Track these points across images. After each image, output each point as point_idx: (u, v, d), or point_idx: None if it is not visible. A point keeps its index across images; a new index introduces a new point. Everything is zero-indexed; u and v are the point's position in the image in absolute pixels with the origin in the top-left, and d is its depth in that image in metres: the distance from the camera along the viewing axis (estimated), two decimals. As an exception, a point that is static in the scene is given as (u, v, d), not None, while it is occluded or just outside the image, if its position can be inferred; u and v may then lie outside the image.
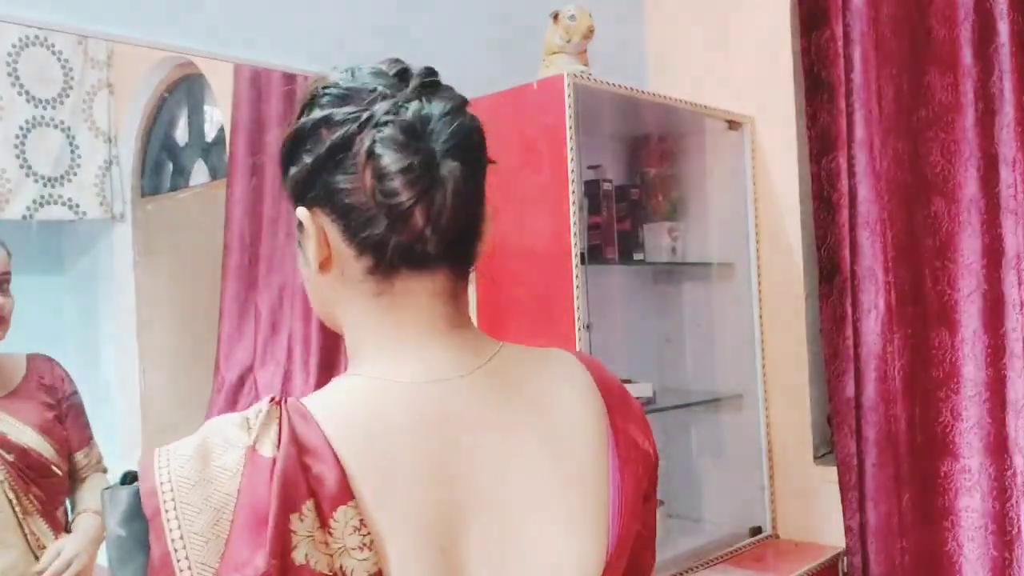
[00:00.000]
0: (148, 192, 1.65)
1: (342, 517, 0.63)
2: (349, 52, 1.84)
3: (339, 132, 0.69)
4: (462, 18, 2.08)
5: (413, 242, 0.70)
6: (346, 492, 0.64)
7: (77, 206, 1.53)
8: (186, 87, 1.72)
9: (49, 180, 1.48)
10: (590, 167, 2.21)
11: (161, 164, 1.71)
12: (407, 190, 0.68)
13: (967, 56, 2.01)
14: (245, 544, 0.62)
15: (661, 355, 2.52)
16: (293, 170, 0.74)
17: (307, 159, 0.71)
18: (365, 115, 0.69)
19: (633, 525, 0.75)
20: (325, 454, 0.65)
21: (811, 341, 2.35)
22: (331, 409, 0.68)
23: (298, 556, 0.62)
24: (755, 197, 2.38)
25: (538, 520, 0.71)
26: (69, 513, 1.47)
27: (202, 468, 0.64)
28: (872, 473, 2.12)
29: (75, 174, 1.51)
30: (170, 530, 0.64)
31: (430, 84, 0.73)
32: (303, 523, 0.62)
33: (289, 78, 1.78)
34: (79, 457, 1.49)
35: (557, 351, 0.81)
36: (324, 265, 0.73)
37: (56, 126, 1.49)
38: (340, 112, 0.70)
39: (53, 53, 1.49)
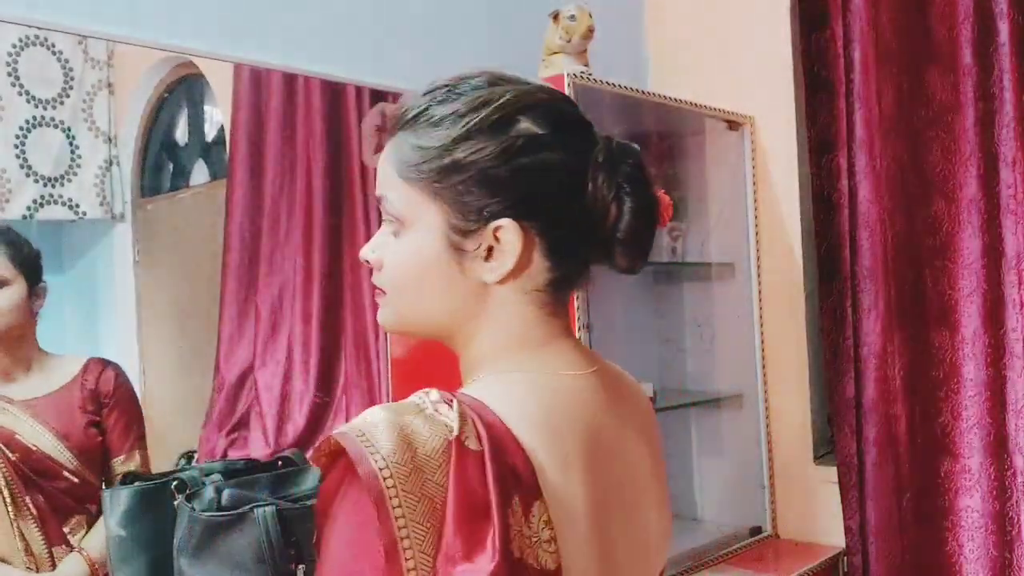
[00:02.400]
0: (148, 192, 1.65)
1: (538, 511, 0.65)
2: (349, 52, 1.84)
3: (575, 158, 0.74)
4: (461, 18, 2.08)
5: (613, 267, 0.78)
6: (537, 487, 0.66)
7: (77, 206, 1.52)
8: (186, 87, 1.72)
9: (49, 180, 1.48)
10: (590, 167, 2.20)
11: (161, 164, 1.71)
12: (640, 229, 0.75)
13: (967, 56, 2.01)
14: (462, 538, 0.62)
15: (661, 355, 2.52)
16: (491, 185, 0.72)
17: (531, 176, 0.73)
18: (600, 150, 0.74)
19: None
20: (515, 450, 0.66)
21: (811, 341, 2.35)
22: (508, 405, 0.69)
23: (515, 551, 0.63)
24: (755, 197, 2.38)
25: (649, 504, 0.80)
26: (86, 526, 1.46)
27: (412, 456, 0.63)
28: (872, 473, 2.12)
29: (75, 174, 1.51)
30: (396, 517, 0.62)
31: None
32: (515, 518, 0.64)
33: (289, 78, 1.78)
34: (116, 464, 1.51)
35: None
36: (510, 275, 0.74)
37: (56, 126, 1.49)
38: (569, 137, 0.74)
39: (53, 53, 1.49)
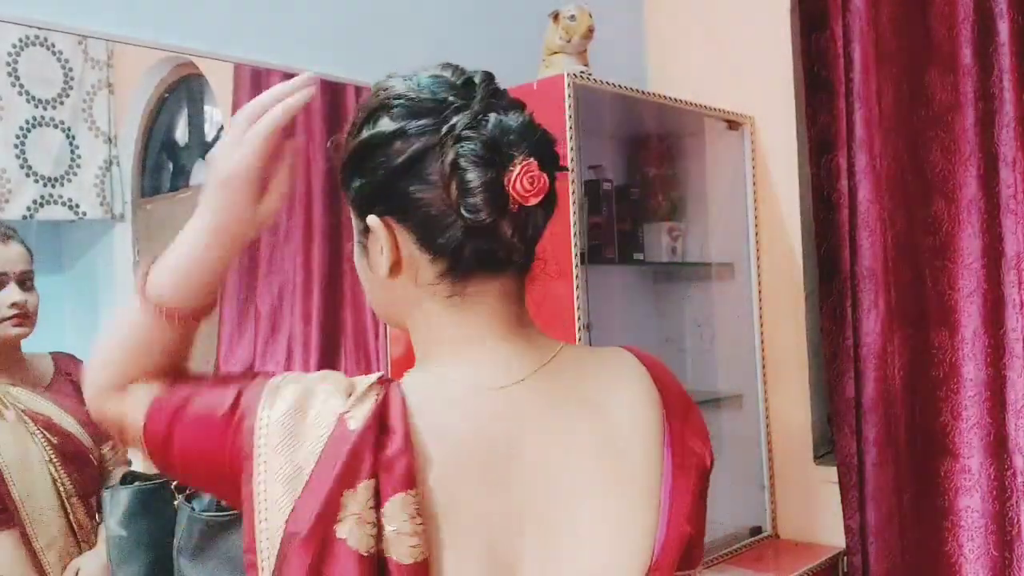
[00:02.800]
0: (148, 192, 1.65)
1: (400, 502, 0.66)
2: (349, 52, 1.84)
3: (416, 145, 0.71)
4: (462, 18, 2.08)
5: (497, 249, 0.73)
6: (410, 480, 0.66)
7: (77, 206, 1.52)
8: (186, 87, 1.72)
9: (49, 180, 1.48)
10: (590, 167, 2.21)
11: (161, 164, 1.71)
12: (489, 206, 0.70)
13: (967, 56, 2.01)
14: (307, 506, 0.66)
15: (661, 355, 2.50)
16: (360, 181, 0.75)
17: (379, 171, 0.73)
18: (444, 128, 0.71)
19: (684, 529, 0.77)
20: (402, 440, 0.67)
21: (811, 341, 2.35)
22: (419, 400, 0.71)
23: (340, 531, 0.65)
24: (755, 197, 2.38)
25: (588, 520, 0.74)
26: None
27: (297, 422, 0.68)
28: (872, 473, 2.12)
29: (75, 174, 1.51)
30: (258, 473, 0.68)
31: (496, 92, 0.75)
32: (355, 501, 0.65)
33: (289, 78, 1.78)
34: (105, 451, 1.53)
35: (618, 351, 0.84)
36: (394, 270, 0.75)
37: (56, 126, 1.49)
38: (414, 125, 0.72)
39: (53, 53, 1.49)
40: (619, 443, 0.77)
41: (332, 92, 1.83)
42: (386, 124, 0.73)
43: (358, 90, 1.85)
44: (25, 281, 1.43)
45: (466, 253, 0.72)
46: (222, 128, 1.75)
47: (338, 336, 1.86)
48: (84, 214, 1.54)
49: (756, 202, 2.38)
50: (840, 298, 2.20)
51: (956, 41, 2.03)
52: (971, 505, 2.01)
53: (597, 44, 2.03)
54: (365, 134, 0.74)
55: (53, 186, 1.48)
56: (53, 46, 1.49)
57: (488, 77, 0.76)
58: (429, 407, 0.71)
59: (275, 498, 0.67)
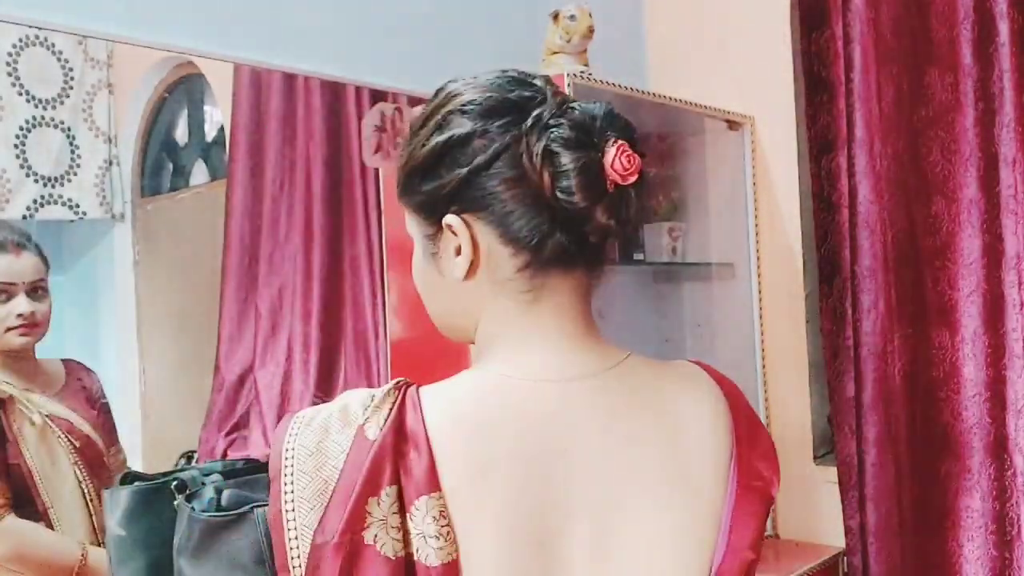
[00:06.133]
0: (148, 192, 1.65)
1: (424, 505, 0.67)
2: (349, 52, 1.84)
3: (501, 140, 0.72)
4: (462, 18, 2.08)
5: (589, 234, 0.73)
6: (432, 482, 0.68)
7: (77, 206, 1.53)
8: (186, 87, 1.72)
9: (49, 180, 1.48)
10: (590, 167, 2.20)
11: (161, 164, 1.71)
12: (583, 190, 0.71)
13: (967, 56, 2.01)
14: (335, 516, 0.67)
15: (661, 355, 2.51)
16: (434, 183, 0.75)
17: (459, 170, 0.73)
18: (531, 120, 0.72)
19: (747, 556, 0.75)
20: (421, 444, 0.68)
21: (811, 341, 2.35)
22: (444, 400, 0.72)
23: (367, 536, 0.67)
24: (755, 197, 2.38)
25: (641, 531, 0.73)
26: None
27: (320, 440, 0.70)
28: (872, 473, 2.11)
29: (75, 174, 1.51)
30: (285, 492, 0.69)
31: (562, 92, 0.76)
32: (379, 507, 0.67)
33: (289, 78, 1.78)
34: (107, 458, 1.53)
35: (688, 365, 0.82)
36: (470, 271, 0.75)
37: (56, 126, 1.49)
38: (497, 122, 0.73)
39: (53, 53, 1.50)
40: (681, 459, 0.76)
41: (332, 92, 1.83)
42: (464, 124, 0.73)
43: (358, 90, 1.85)
44: (37, 290, 1.42)
45: (549, 245, 0.73)
46: (222, 128, 1.75)
47: (338, 336, 1.86)
48: (84, 214, 1.54)
49: (756, 202, 2.38)
50: (840, 298, 2.20)
51: (956, 41, 2.02)
52: (971, 505, 2.01)
53: (597, 44, 2.02)
54: (440, 137, 0.74)
55: (53, 186, 1.48)
56: (53, 46, 1.49)
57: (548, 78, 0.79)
58: (470, 406, 0.72)
59: (303, 515, 0.68)
